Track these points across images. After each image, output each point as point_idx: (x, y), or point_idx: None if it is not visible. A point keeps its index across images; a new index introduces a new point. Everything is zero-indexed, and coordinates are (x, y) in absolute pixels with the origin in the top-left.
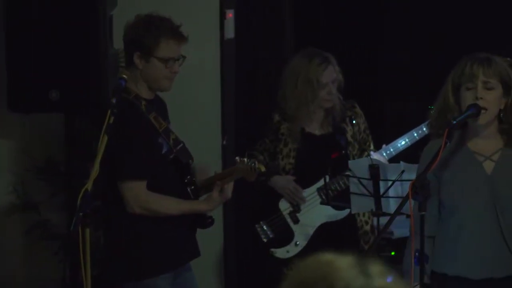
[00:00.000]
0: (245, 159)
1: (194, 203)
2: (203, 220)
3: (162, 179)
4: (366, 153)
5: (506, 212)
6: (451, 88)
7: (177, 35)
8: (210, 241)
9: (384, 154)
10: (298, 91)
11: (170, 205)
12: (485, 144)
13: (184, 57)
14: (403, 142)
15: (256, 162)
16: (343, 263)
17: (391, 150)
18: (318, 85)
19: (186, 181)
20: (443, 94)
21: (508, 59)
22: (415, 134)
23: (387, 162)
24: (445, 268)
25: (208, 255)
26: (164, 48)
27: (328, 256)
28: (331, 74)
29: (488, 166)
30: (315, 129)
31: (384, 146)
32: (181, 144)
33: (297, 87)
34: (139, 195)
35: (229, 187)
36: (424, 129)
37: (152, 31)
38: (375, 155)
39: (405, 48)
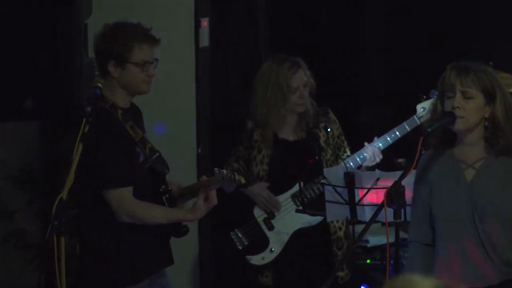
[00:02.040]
0: (224, 171)
1: (180, 212)
2: (178, 229)
3: (138, 188)
4: (341, 159)
5: (485, 221)
6: (438, 95)
7: (150, 39)
8: (186, 247)
9: (380, 144)
10: (269, 96)
11: (156, 214)
12: (470, 151)
13: (157, 59)
14: (393, 135)
15: (236, 174)
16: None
17: (388, 139)
18: (288, 90)
19: (161, 190)
20: (434, 101)
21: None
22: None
23: (380, 154)
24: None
25: (184, 262)
26: (138, 53)
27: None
28: (301, 78)
29: (469, 174)
30: (289, 135)
31: (375, 138)
32: (157, 154)
33: (267, 92)
34: (122, 202)
35: (214, 194)
36: (398, 133)
37: (123, 38)
38: (369, 147)
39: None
